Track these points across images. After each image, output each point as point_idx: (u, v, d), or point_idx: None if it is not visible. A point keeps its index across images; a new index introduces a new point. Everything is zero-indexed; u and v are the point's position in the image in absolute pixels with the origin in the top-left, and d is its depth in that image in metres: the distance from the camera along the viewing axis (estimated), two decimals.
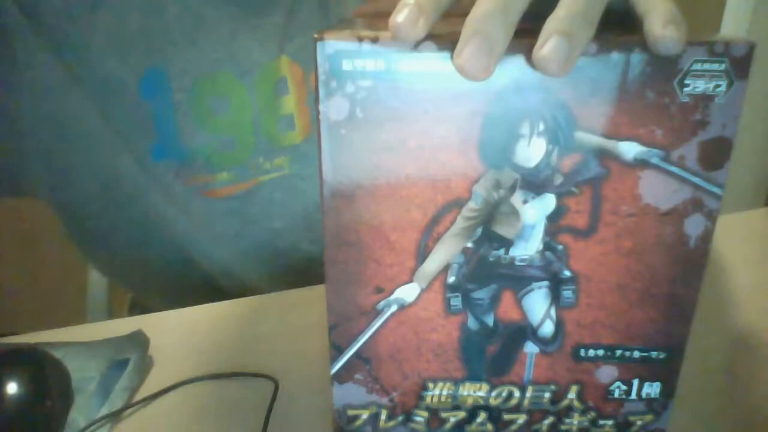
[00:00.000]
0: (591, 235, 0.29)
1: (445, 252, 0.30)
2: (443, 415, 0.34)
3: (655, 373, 0.33)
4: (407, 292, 0.31)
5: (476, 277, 0.31)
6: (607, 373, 0.33)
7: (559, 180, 0.28)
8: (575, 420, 0.34)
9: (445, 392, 0.34)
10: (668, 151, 0.28)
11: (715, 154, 0.28)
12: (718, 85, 0.26)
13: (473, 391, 0.34)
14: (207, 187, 0.57)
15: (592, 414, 0.34)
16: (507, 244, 0.30)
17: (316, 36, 0.27)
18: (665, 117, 0.27)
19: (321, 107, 0.28)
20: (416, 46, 0.26)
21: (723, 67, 0.26)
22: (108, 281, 0.79)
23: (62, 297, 1.31)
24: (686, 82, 0.26)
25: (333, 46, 0.26)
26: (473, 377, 0.33)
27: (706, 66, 0.26)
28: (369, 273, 0.31)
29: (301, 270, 0.63)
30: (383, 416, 0.35)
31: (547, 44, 0.24)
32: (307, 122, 0.58)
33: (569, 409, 0.34)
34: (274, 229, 0.61)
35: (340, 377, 0.34)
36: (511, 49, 0.25)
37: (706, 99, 0.27)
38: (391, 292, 0.31)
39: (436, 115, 0.27)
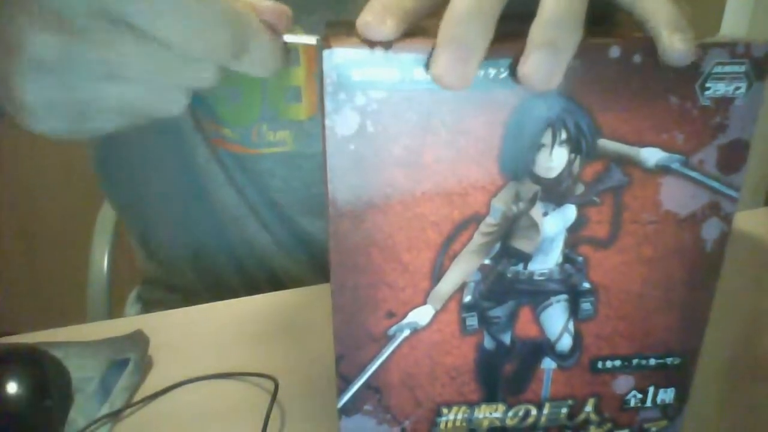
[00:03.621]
0: (611, 244, 0.29)
1: (462, 270, 0.29)
2: None
3: (669, 379, 0.33)
4: (421, 315, 0.30)
5: (493, 294, 0.29)
6: (623, 383, 0.32)
7: (580, 190, 0.27)
8: None
9: (460, 416, 0.32)
10: (689, 156, 0.27)
11: (734, 157, 0.27)
12: (738, 87, 0.26)
13: (489, 413, 0.32)
14: (215, 135, 0.58)
15: (609, 425, 0.33)
16: (526, 258, 0.29)
17: (321, 44, 0.25)
18: (686, 121, 0.27)
19: (327, 121, 0.25)
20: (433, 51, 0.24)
21: (743, 69, 0.26)
22: (108, 280, 0.79)
23: (62, 297, 1.31)
24: (707, 85, 0.26)
25: (341, 54, 0.24)
26: (489, 398, 0.32)
27: (727, 68, 0.26)
28: (380, 297, 0.29)
29: (302, 239, 0.64)
30: None
31: (529, 60, 0.23)
32: (314, 98, 0.58)
33: (586, 423, 0.33)
34: (272, 200, 0.62)
35: (348, 410, 0.32)
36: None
37: (726, 102, 0.26)
38: (404, 316, 0.29)
39: (454, 127, 0.26)
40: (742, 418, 0.40)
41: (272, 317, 0.50)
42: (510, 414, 0.33)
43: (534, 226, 0.28)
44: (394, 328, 0.30)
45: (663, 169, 0.27)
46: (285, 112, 0.58)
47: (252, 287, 0.65)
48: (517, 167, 0.27)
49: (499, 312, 0.30)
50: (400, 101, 0.25)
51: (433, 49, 0.24)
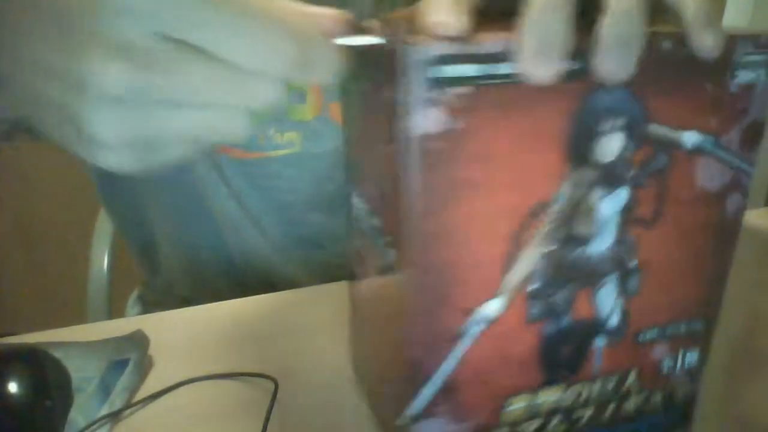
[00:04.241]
0: (655, 223, 0.31)
1: (530, 260, 0.29)
2: (520, 427, 0.33)
3: (695, 342, 0.35)
4: (492, 308, 0.30)
5: (556, 280, 0.30)
6: (660, 351, 0.35)
7: (632, 173, 0.29)
8: (632, 402, 0.35)
9: (523, 404, 0.33)
10: (719, 137, 0.30)
11: (752, 137, 0.30)
12: (759, 75, 0.29)
13: (549, 396, 0.33)
14: None
15: (646, 392, 0.36)
16: (585, 242, 0.30)
17: (403, 41, 0.24)
18: (718, 106, 0.29)
19: (409, 120, 0.25)
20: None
21: (764, 57, 0.29)
22: (108, 280, 0.79)
23: (62, 297, 1.31)
24: (736, 73, 0.29)
25: (427, 51, 0.24)
26: (550, 382, 0.33)
27: (752, 58, 0.29)
28: (455, 294, 0.29)
29: (308, 238, 0.64)
30: None
31: (607, 55, 0.24)
32: (318, 99, 0.58)
33: (629, 393, 0.35)
34: (283, 200, 0.62)
35: (420, 415, 0.31)
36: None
37: (749, 88, 0.29)
38: (477, 312, 0.29)
39: (528, 117, 0.26)
40: (743, 416, 0.40)
41: (272, 317, 0.50)
42: (567, 394, 0.33)
43: (592, 210, 0.29)
44: (468, 324, 0.30)
45: (698, 151, 0.30)
46: (290, 114, 0.58)
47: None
48: (581, 154, 0.28)
49: (560, 297, 0.31)
50: (483, 96, 0.25)
51: (515, 41, 0.24)
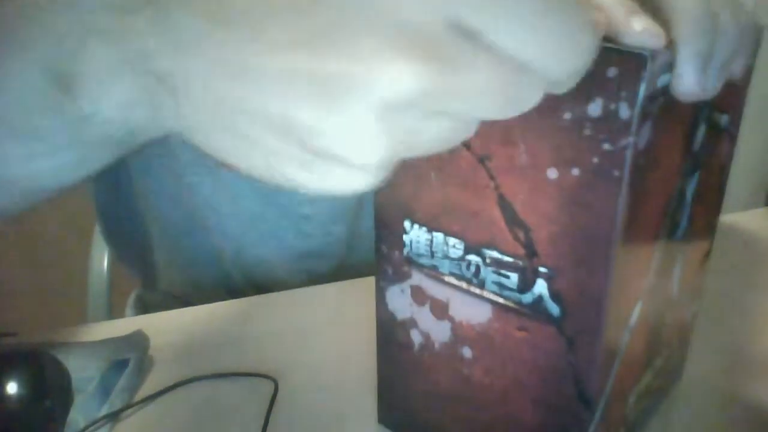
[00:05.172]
0: (706, 197, 0.34)
1: (656, 257, 0.30)
2: (629, 419, 0.34)
3: (700, 291, 0.40)
4: (636, 313, 0.29)
5: (662, 270, 0.31)
6: (687, 308, 0.38)
7: (702, 158, 0.31)
8: (674, 359, 0.39)
9: (635, 396, 0.33)
10: (732, 116, 0.33)
11: (740, 112, 0.35)
12: (755, 59, 0.31)
13: (644, 380, 0.35)
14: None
15: (680, 344, 0.39)
16: (677, 227, 0.32)
17: (644, 52, 0.22)
18: (735, 90, 0.32)
19: (632, 138, 0.23)
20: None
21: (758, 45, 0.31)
22: (108, 281, 0.79)
23: (62, 297, 1.31)
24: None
25: (660, 60, 0.22)
26: (648, 366, 0.34)
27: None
28: (621, 309, 0.28)
29: (327, 252, 0.63)
30: None
31: (687, 77, 0.24)
32: None
33: (673, 351, 0.39)
34: (302, 214, 0.61)
35: None
36: None
37: (747, 72, 0.31)
38: (629, 321, 0.29)
39: (678, 120, 0.27)
40: (741, 417, 0.40)
41: (272, 317, 0.50)
42: (650, 373, 0.35)
43: (685, 196, 0.31)
44: (623, 336, 0.29)
45: (724, 129, 0.33)
46: None
47: None
48: (691, 148, 0.30)
49: (660, 284, 0.32)
50: (669, 105, 0.25)
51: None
